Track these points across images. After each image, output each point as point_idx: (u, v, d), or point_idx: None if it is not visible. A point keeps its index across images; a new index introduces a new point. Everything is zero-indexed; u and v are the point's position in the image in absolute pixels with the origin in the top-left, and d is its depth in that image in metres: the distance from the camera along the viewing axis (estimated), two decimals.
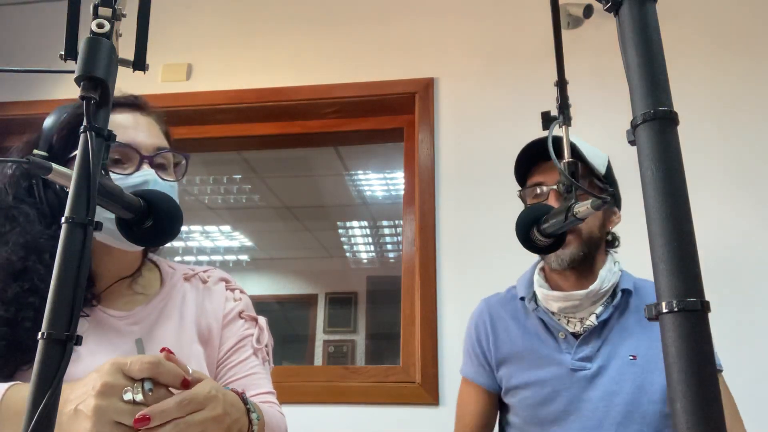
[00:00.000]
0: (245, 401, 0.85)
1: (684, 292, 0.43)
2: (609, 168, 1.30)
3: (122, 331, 0.94)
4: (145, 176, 0.92)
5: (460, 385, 1.42)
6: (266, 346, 1.10)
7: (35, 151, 0.76)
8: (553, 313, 1.28)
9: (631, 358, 1.20)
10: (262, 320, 1.11)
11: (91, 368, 0.75)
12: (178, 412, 0.72)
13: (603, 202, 0.80)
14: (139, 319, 0.97)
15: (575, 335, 1.25)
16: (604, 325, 1.24)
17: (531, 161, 1.30)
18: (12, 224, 0.89)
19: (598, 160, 1.26)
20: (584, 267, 1.25)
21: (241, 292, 1.13)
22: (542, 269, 1.33)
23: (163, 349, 0.76)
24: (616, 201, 1.32)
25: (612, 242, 1.34)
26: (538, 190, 1.28)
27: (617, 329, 1.23)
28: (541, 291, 1.28)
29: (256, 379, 1.04)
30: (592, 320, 1.24)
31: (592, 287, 1.22)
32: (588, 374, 1.21)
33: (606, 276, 1.24)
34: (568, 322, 1.26)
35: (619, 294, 1.24)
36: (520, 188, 1.33)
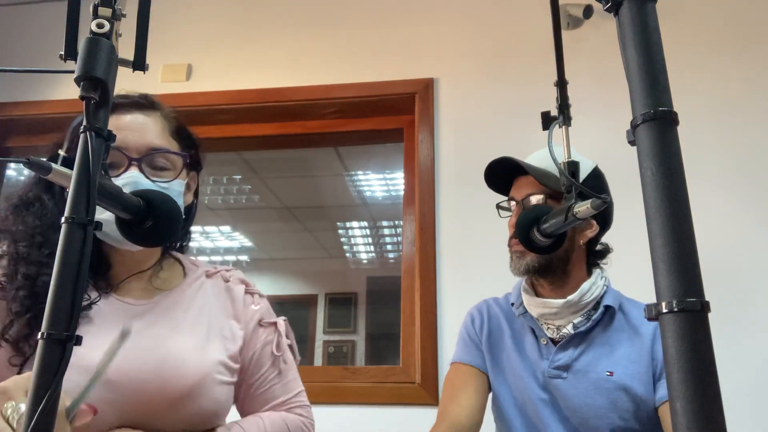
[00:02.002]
0: None
1: (684, 292, 0.43)
2: (590, 178, 1.27)
3: (144, 316, 0.96)
4: (128, 179, 0.92)
5: (449, 372, 1.38)
6: (289, 345, 1.12)
7: (60, 152, 0.77)
8: (536, 319, 1.29)
9: (608, 374, 1.20)
10: (281, 323, 1.12)
11: (96, 348, 0.76)
12: None
13: (603, 202, 0.80)
14: (160, 307, 0.99)
15: (554, 342, 1.26)
16: (583, 337, 1.24)
17: (508, 177, 1.33)
18: (29, 209, 0.95)
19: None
20: (555, 276, 1.25)
21: (260, 296, 1.13)
22: None
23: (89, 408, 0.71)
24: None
25: (600, 254, 1.32)
26: (510, 204, 1.31)
27: (598, 343, 1.24)
28: (525, 296, 1.30)
29: (273, 391, 1.07)
30: (568, 329, 1.25)
31: (569, 297, 1.23)
32: (562, 384, 1.22)
33: (588, 288, 1.24)
34: (548, 328, 1.28)
35: (601, 309, 1.24)
36: (500, 201, 1.35)
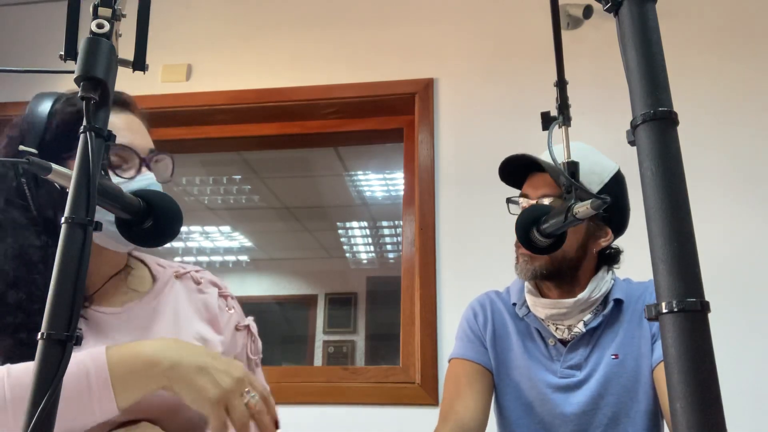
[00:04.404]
0: None
1: (684, 292, 0.43)
2: (611, 183, 1.22)
3: (118, 328, 0.92)
4: (147, 180, 0.91)
5: (451, 368, 1.33)
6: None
7: (21, 147, 0.73)
8: (542, 320, 1.27)
9: (612, 357, 1.20)
10: (252, 324, 1.11)
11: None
12: None
13: (603, 203, 0.80)
14: (134, 316, 0.95)
15: (563, 342, 1.25)
16: (592, 333, 1.23)
17: (523, 172, 1.28)
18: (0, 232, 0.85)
19: (593, 177, 1.20)
20: (563, 280, 1.24)
21: (232, 298, 1.12)
22: None
23: None
24: (605, 218, 1.23)
25: (610, 259, 1.28)
26: (522, 201, 1.27)
27: (606, 336, 1.23)
28: (530, 297, 1.27)
29: None
30: (580, 327, 1.23)
31: (580, 296, 1.21)
32: (575, 381, 1.22)
33: (597, 285, 1.23)
34: (557, 328, 1.26)
35: (611, 303, 1.23)
36: (511, 196, 1.29)
